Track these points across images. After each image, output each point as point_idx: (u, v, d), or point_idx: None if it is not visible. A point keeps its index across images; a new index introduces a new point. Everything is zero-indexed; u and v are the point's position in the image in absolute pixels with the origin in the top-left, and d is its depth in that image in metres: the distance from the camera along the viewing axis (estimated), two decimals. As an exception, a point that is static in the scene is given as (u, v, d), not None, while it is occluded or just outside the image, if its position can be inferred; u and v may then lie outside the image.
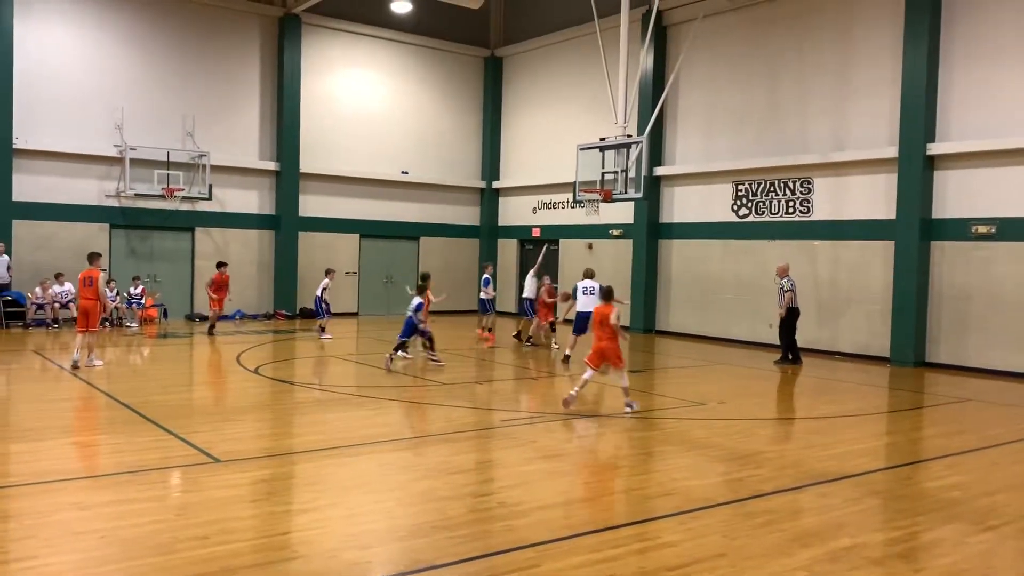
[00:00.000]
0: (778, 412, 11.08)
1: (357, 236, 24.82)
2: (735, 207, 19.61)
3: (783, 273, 15.94)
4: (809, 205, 18.16)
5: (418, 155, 25.69)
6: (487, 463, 8.09)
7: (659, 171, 20.93)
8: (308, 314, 23.35)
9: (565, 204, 24.06)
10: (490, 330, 18.47)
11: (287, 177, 23.12)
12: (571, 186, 19.63)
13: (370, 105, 24.78)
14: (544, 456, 8.26)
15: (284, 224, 23.17)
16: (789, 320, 15.87)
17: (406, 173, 25.40)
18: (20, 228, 19.55)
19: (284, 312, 23.07)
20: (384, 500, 6.63)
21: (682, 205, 20.93)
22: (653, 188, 20.41)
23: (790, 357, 15.94)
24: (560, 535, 5.80)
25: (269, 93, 23.06)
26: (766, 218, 18.95)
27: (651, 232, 21.25)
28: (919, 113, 15.85)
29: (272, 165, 23.06)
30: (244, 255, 22.92)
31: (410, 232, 25.75)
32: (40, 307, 19.14)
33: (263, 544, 5.61)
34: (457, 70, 26.33)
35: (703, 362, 16.22)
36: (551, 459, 8.20)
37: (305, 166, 23.40)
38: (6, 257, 18.91)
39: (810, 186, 18.13)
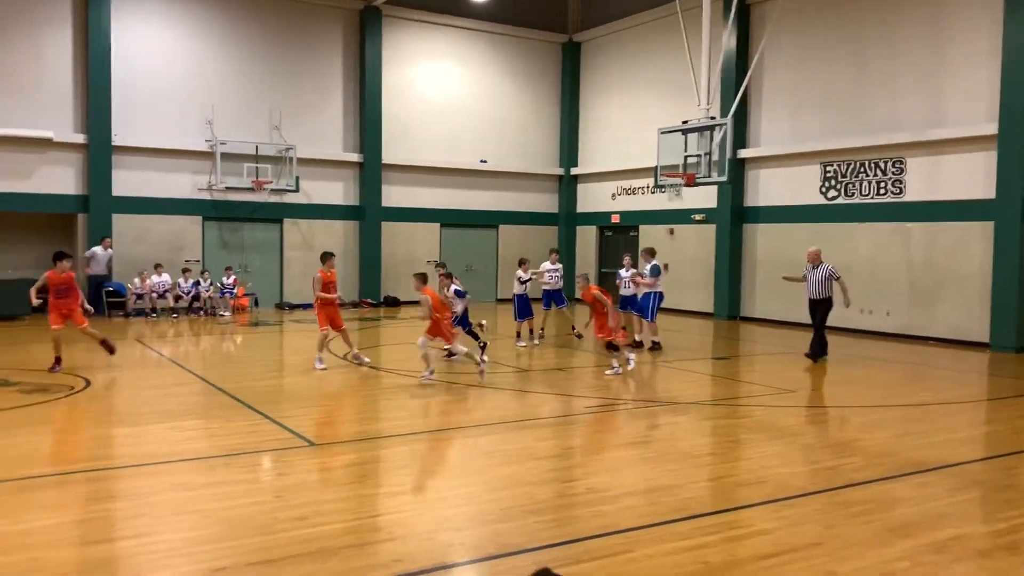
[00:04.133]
0: (870, 399, 10.74)
1: (438, 225, 25.10)
2: (823, 189, 19.05)
3: (816, 259, 13.54)
4: (901, 186, 17.51)
5: (496, 143, 25.78)
6: (572, 449, 8.11)
7: (743, 153, 20.49)
8: (391, 302, 23.79)
9: (645, 189, 23.81)
10: (624, 328, 16.91)
11: (370, 168, 23.53)
12: (652, 171, 19.43)
13: (449, 95, 24.97)
14: (629, 443, 8.23)
15: (368, 214, 23.60)
16: (827, 310, 13.70)
17: (484, 162, 25.53)
18: (120, 221, 20.46)
19: (369, 300, 23.53)
20: (472, 484, 6.73)
21: (767, 188, 20.45)
22: (737, 171, 19.98)
23: (818, 349, 13.77)
24: (650, 521, 5.78)
25: (352, 86, 23.49)
26: (856, 200, 18.36)
27: (735, 216, 20.84)
28: (1022, 86, 15.07)
29: (355, 157, 23.50)
30: (330, 245, 23.35)
31: (489, 220, 25.89)
32: (140, 297, 20.00)
33: (359, 525, 5.77)
34: (534, 56, 26.28)
35: (789, 349, 15.84)
36: (636, 446, 8.16)
37: (387, 157, 23.77)
38: (110, 251, 19.81)
39: (902, 166, 17.47)
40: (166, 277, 20.17)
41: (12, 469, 6.95)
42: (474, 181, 25.49)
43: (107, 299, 19.68)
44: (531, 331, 15.66)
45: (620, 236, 25.23)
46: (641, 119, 23.18)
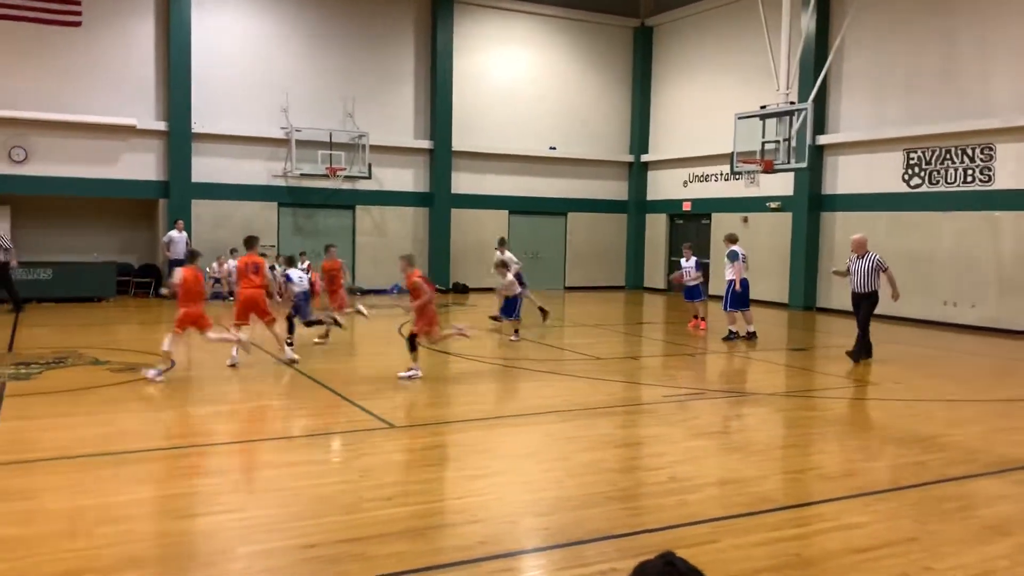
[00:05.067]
0: (956, 394, 10.38)
1: (506, 212, 25.13)
2: (906, 176, 18.44)
3: (861, 248, 12.18)
4: (990, 173, 16.82)
5: (566, 130, 25.65)
6: (652, 437, 8.04)
7: (822, 139, 19.95)
8: (460, 289, 23.94)
9: (719, 176, 23.40)
10: (703, 318, 16.24)
11: (440, 155, 23.67)
12: (725, 158, 19.10)
13: (519, 81, 24.92)
14: (710, 432, 8.12)
15: (437, 201, 23.76)
16: (872, 305, 12.28)
17: (554, 149, 25.42)
18: (199, 207, 21.02)
19: (438, 286, 23.68)
20: (554, 469, 6.72)
21: (847, 175, 19.88)
22: (815, 158, 19.45)
23: (860, 349, 12.42)
24: (736, 512, 5.69)
25: (423, 73, 23.63)
26: (940, 188, 17.71)
27: (812, 204, 20.33)
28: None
29: (426, 144, 23.66)
30: (400, 231, 23.72)
31: (558, 208, 25.80)
32: (217, 281, 20.53)
33: (443, 507, 5.83)
34: (606, 42, 26.02)
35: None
36: (718, 436, 8.05)
37: (457, 144, 23.87)
38: (184, 234, 20.37)
39: (992, 152, 16.78)
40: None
41: (107, 444, 7.21)
42: (543, 168, 25.41)
43: (187, 282, 20.22)
44: (515, 331, 14.28)
45: (692, 224, 24.88)
46: (715, 104, 22.76)
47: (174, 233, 20.13)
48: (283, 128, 21.65)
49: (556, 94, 25.45)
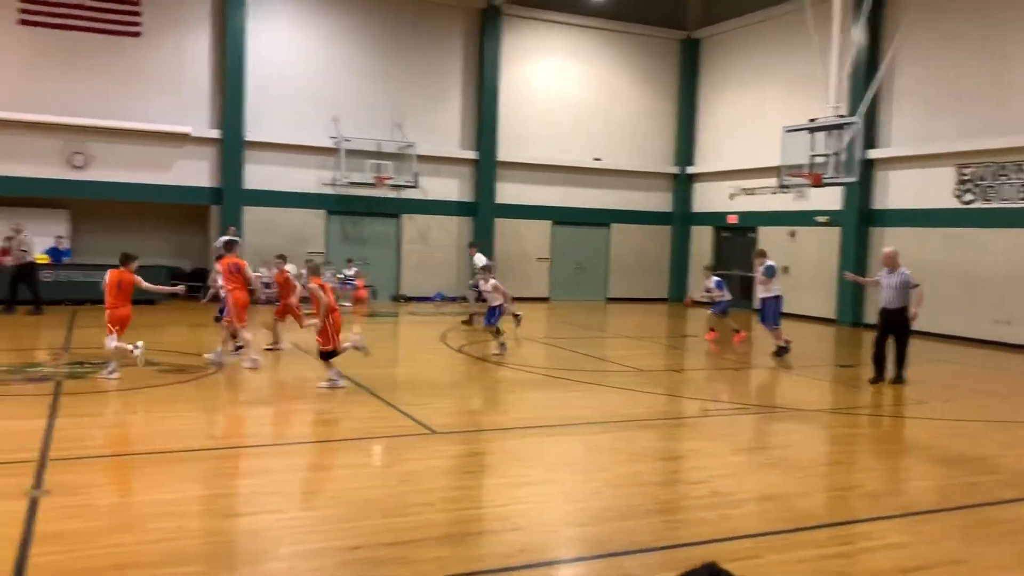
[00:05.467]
0: (1009, 414, 10.13)
1: (549, 223, 25.17)
2: (958, 192, 18.07)
3: (892, 262, 11.48)
4: (1048, 190, 16.40)
5: (611, 141, 25.63)
6: (694, 451, 7.99)
7: (872, 154, 19.65)
8: (503, 298, 23.98)
9: (765, 190, 23.17)
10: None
11: (485, 165, 23.82)
12: (773, 171, 18.90)
13: (564, 92, 24.99)
14: (752, 447, 8.05)
15: (481, 211, 23.90)
16: (904, 323, 11.47)
17: (599, 160, 25.41)
18: (249, 213, 21.43)
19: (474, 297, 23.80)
20: (594, 480, 6.72)
21: (897, 190, 19.54)
22: (864, 172, 19.16)
23: (896, 372, 11.58)
24: (779, 528, 5.64)
25: (470, 84, 23.83)
26: (995, 204, 17.32)
27: (861, 219, 20.01)
28: None
29: (471, 154, 23.83)
30: (444, 240, 23.90)
31: (601, 219, 25.77)
32: (267, 285, 20.88)
33: (483, 513, 5.87)
34: (652, 54, 25.98)
35: (918, 359, 15.10)
36: (760, 451, 7.97)
37: (501, 154, 24.00)
38: (236, 239, 20.74)
39: (1049, 169, 16.37)
40: (291, 267, 20.94)
41: (157, 442, 7.40)
42: (587, 179, 25.42)
43: (236, 287, 20.63)
44: (501, 344, 13.48)
45: (738, 237, 24.67)
46: (763, 117, 22.58)
47: (224, 239, 20.52)
48: (333, 138, 21.99)
49: (601, 106, 25.47)
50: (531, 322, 18.81)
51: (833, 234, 20.77)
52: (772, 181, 21.36)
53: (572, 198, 25.25)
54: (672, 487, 6.64)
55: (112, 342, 10.07)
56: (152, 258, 20.62)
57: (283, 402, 9.39)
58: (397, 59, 22.88)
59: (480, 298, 15.27)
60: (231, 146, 21.06)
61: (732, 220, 24.56)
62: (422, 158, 22.74)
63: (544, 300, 24.80)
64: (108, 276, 10.30)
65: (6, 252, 17.02)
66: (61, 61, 19.62)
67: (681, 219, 26.39)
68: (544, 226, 25.08)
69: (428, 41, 23.24)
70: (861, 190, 19.57)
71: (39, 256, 18.98)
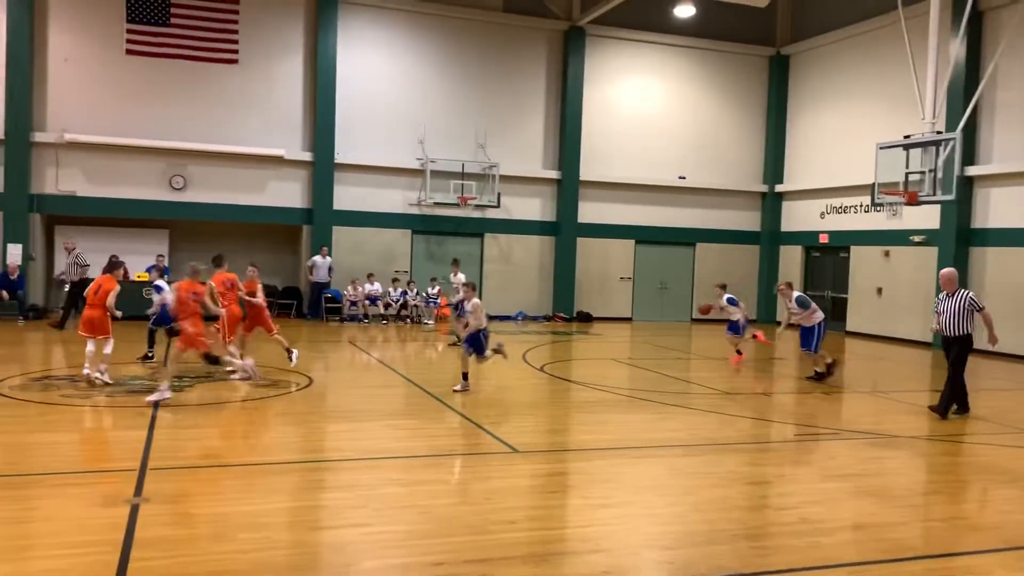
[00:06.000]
0: None
1: (632, 242, 25.00)
2: (1067, 210, 17.16)
3: (951, 284, 10.65)
4: None
5: (696, 159, 25.34)
6: (782, 476, 7.76)
7: (971, 171, 18.86)
8: (584, 317, 23.92)
9: (858, 208, 22.49)
10: (739, 351, 15.73)
11: (567, 185, 23.87)
12: (865, 188, 18.38)
13: (648, 111, 24.86)
14: (844, 474, 7.76)
15: (563, 230, 23.93)
16: (965, 350, 10.66)
17: (683, 178, 25.14)
18: (339, 233, 22.01)
19: (562, 315, 23.80)
20: (679, 504, 6.61)
21: (999, 208, 18.68)
22: (964, 190, 18.40)
23: (948, 401, 10.79)
24: (873, 558, 5.42)
25: (553, 104, 23.97)
26: (1108, 222, 16.37)
27: (960, 238, 19.19)
28: None
29: (554, 174, 23.92)
30: (526, 260, 24.02)
31: (686, 238, 25.44)
32: (353, 303, 21.40)
33: (567, 534, 5.84)
34: (739, 71, 25.62)
35: (1021, 385, 14.37)
36: (853, 477, 7.68)
37: (584, 174, 24.00)
38: (329, 259, 21.36)
39: None
40: (377, 286, 21.50)
41: (249, 455, 7.63)
42: (671, 198, 25.16)
43: (325, 304, 21.22)
44: (464, 374, 11.40)
45: (829, 257, 23.98)
46: (855, 134, 21.97)
47: (317, 259, 21.17)
48: (419, 159, 22.42)
49: (687, 123, 25.23)
50: (613, 343, 18.70)
51: (930, 254, 19.98)
52: (865, 199, 20.75)
53: (656, 217, 25.04)
54: (759, 512, 6.47)
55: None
56: (245, 277, 21.38)
57: (369, 418, 9.56)
58: (481, 81, 23.22)
59: (459, 315, 13.33)
60: (322, 168, 21.70)
61: (823, 239, 23.90)
62: (505, 178, 22.94)
63: (626, 320, 24.60)
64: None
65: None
66: (163, 88, 20.63)
67: (769, 238, 25.82)
68: (627, 245, 24.93)
69: (512, 62, 23.50)
70: (960, 208, 18.79)
71: (139, 274, 19.91)
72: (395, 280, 21.81)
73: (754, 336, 16.32)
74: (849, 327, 22.59)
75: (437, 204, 22.51)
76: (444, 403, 10.35)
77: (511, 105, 23.59)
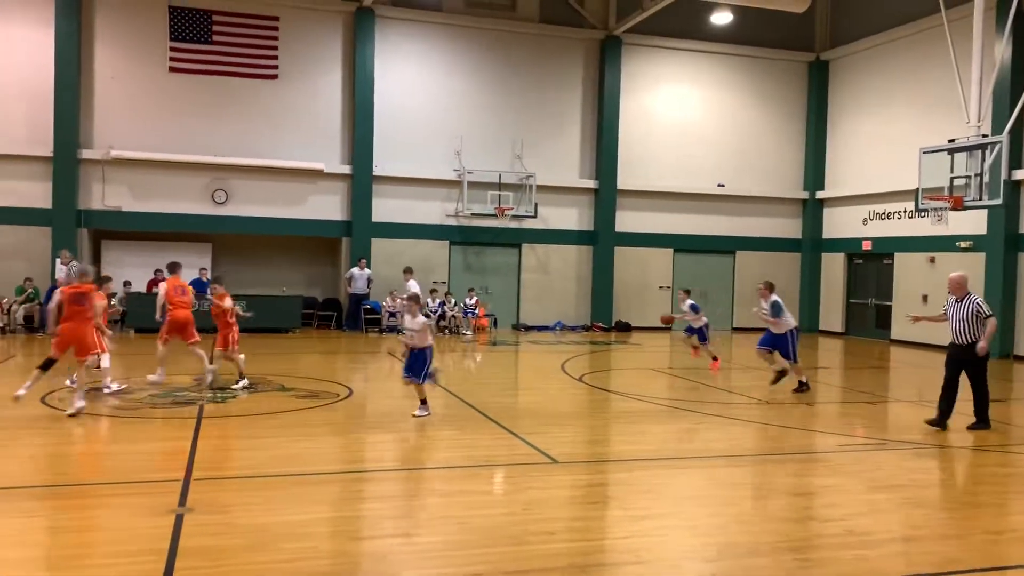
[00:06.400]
0: None
1: (671, 251, 24.84)
2: (1121, 213, 16.68)
3: (960, 289, 10.14)
4: None
5: (735, 167, 25.13)
6: (827, 487, 7.62)
7: (1019, 174, 18.43)
8: (623, 327, 23.81)
9: (901, 214, 22.10)
10: (715, 357, 15.79)
11: (605, 194, 23.81)
12: (909, 194, 18.00)
13: (686, 119, 24.73)
14: (892, 485, 7.60)
15: (601, 239, 23.87)
16: (980, 358, 10.02)
17: (722, 186, 24.95)
18: (377, 245, 22.21)
19: (600, 324, 23.71)
20: (720, 515, 6.53)
21: (1049, 213, 18.23)
22: (1012, 194, 17.99)
23: (977, 417, 10.22)
24: (923, 571, 5.30)
25: (590, 114, 23.96)
26: None
27: (1009, 244, 18.75)
28: None
29: (591, 183, 23.89)
30: (564, 269, 23.99)
31: (725, 246, 25.22)
32: (392, 314, 21.53)
33: (606, 545, 5.79)
34: (778, 77, 25.37)
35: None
36: (901, 488, 7.52)
37: (622, 183, 23.94)
38: (367, 271, 21.55)
39: None
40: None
41: (290, 465, 7.70)
42: (710, 206, 24.98)
43: (364, 316, 21.40)
44: (423, 401, 10.11)
45: (872, 264, 23.60)
46: (897, 138, 21.62)
47: (355, 270, 21.37)
48: (456, 170, 22.55)
49: (725, 131, 25.05)
50: (653, 352, 18.58)
51: (977, 260, 19.54)
52: (909, 205, 20.39)
53: (695, 225, 24.87)
54: (804, 524, 6.36)
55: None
56: (287, 288, 21.67)
57: (409, 428, 9.60)
58: (517, 91, 23.30)
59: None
60: (361, 181, 21.93)
61: (866, 246, 23.52)
62: (542, 188, 22.96)
63: (666, 330, 24.42)
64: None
65: None
66: (206, 104, 21.04)
67: (811, 246, 25.49)
68: (666, 254, 24.78)
69: (548, 72, 23.55)
70: (1008, 213, 18.39)
71: (185, 287, 20.20)
72: (433, 291, 21.92)
73: (694, 348, 15.89)
74: (894, 335, 22.17)
75: (474, 215, 22.60)
76: (482, 413, 10.36)
77: (547, 115, 23.63)
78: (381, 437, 9.23)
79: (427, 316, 11.43)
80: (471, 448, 8.72)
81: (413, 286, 18.43)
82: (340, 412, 10.46)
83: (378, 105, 22.00)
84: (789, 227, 25.74)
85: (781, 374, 12.89)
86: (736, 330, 24.77)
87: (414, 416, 9.88)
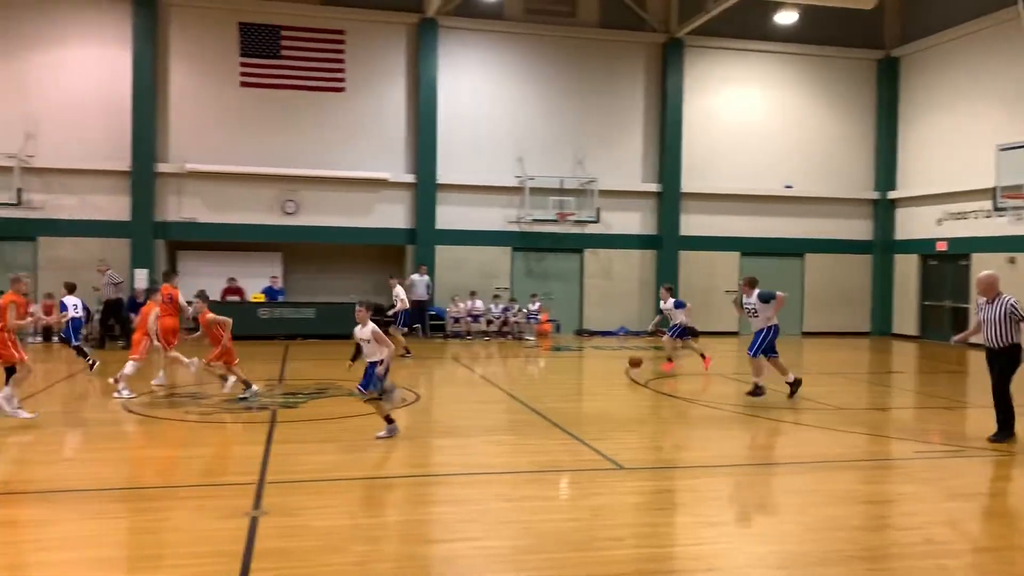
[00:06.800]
0: None
1: (737, 254, 24.48)
2: None
3: (991, 290, 9.44)
4: None
5: (803, 168, 24.64)
6: (902, 495, 7.42)
7: (1104, 170, 17.65)
8: (689, 332, 23.49)
9: (978, 213, 21.35)
10: (670, 359, 15.63)
11: (668, 197, 23.61)
12: (986, 193, 17.47)
13: (751, 120, 24.37)
14: (972, 493, 7.36)
15: (665, 243, 23.66)
16: (1012, 364, 9.36)
17: (790, 187, 24.49)
18: (441, 252, 22.44)
19: (664, 329, 23.44)
20: (789, 523, 6.41)
21: None
22: (1098, 190, 17.25)
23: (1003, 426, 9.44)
24: (1005, 583, 5.12)
25: (652, 117, 23.80)
26: None
27: (1094, 242, 17.99)
28: None
29: (654, 187, 23.71)
30: (627, 274, 23.85)
31: (794, 249, 24.73)
32: (456, 320, 21.73)
33: (675, 552, 5.75)
34: (846, 75, 24.81)
35: None
36: (979, 497, 7.29)
37: (686, 186, 23.70)
38: (426, 277, 21.77)
39: None
40: (479, 303, 21.78)
41: (359, 469, 7.84)
42: (778, 208, 24.54)
43: (428, 321, 21.64)
44: (386, 419, 9.15)
45: (948, 265, 22.86)
46: (973, 136, 20.92)
47: (415, 276, 21.63)
48: (517, 177, 22.65)
49: (792, 131, 24.59)
50: (719, 358, 18.29)
51: (1061, 260, 18.77)
52: (986, 204, 19.70)
53: (762, 228, 24.46)
54: (878, 533, 6.20)
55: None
56: (352, 296, 22.04)
57: (474, 434, 9.68)
58: (578, 96, 23.30)
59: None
60: (424, 189, 22.20)
61: (941, 247, 22.79)
62: (604, 193, 22.88)
63: (733, 335, 24.04)
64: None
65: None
66: (275, 118, 21.58)
67: (882, 247, 24.82)
68: (732, 257, 24.43)
69: (609, 77, 23.49)
70: (1094, 210, 17.61)
71: (255, 295, 20.81)
72: (496, 297, 22.04)
73: (669, 360, 15.56)
74: (971, 339, 21.38)
75: (536, 221, 22.65)
76: (547, 419, 10.37)
77: (609, 119, 23.56)
78: (446, 442, 9.32)
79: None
80: (536, 453, 8.74)
81: (399, 293, 17.52)
82: (406, 417, 10.59)
83: (441, 113, 22.26)
84: (859, 228, 25.12)
85: (794, 385, 12.17)
86: (806, 335, 24.25)
87: (377, 438, 8.86)
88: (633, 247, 23.84)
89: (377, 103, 22.25)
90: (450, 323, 21.82)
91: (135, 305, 19.70)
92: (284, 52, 21.54)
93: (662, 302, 15.92)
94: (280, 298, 21.31)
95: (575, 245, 23.47)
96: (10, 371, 9.68)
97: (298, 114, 21.72)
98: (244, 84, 21.42)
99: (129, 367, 11.61)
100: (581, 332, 23.37)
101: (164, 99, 21.14)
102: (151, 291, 12.88)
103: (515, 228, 22.98)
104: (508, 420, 10.80)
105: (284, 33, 21.49)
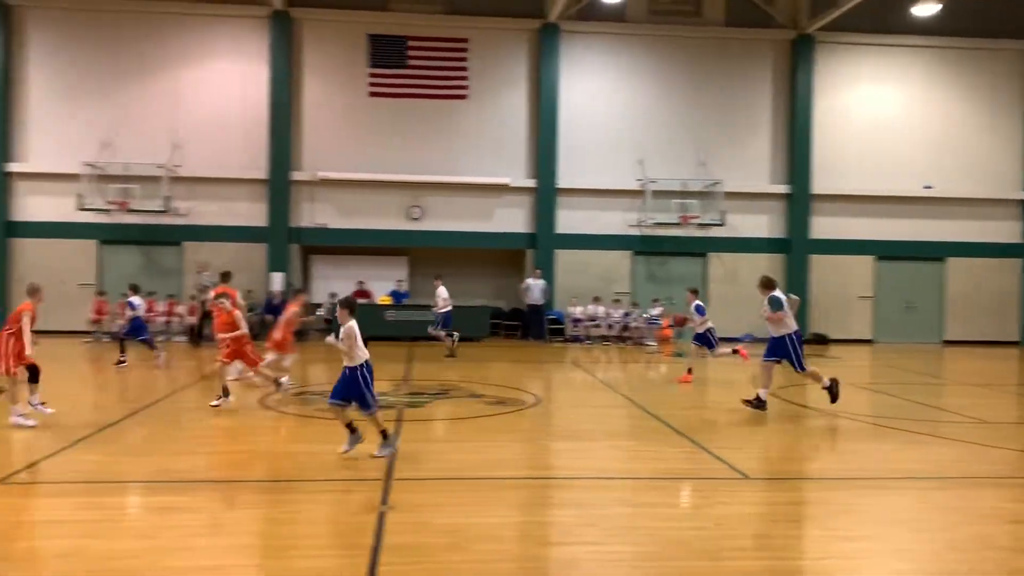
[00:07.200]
0: None
1: (871, 258, 23.39)
2: None
3: None
4: None
5: (943, 167, 23.32)
6: (1058, 517, 6.89)
7: None
8: (819, 340, 22.65)
9: None
10: (689, 370, 14.79)
11: (798, 199, 22.83)
12: None
13: (887, 117, 23.26)
14: None
15: (794, 247, 22.88)
16: None
17: (930, 187, 23.20)
18: (561, 256, 22.52)
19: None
20: (931, 541, 6.06)
21: None
22: None
23: None
24: None
25: (781, 116, 23.09)
26: None
27: None
28: None
29: (783, 188, 22.98)
30: (753, 279, 22.91)
31: (934, 252, 23.42)
32: (576, 323, 21.72)
33: (805, 566, 5.55)
34: (991, 68, 23.31)
35: None
36: None
37: (816, 187, 22.87)
38: (542, 281, 21.84)
39: None
40: (600, 307, 21.70)
41: (482, 469, 7.96)
42: (916, 209, 23.30)
43: (548, 326, 21.72)
44: (384, 433, 8.28)
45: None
46: None
47: (531, 280, 21.78)
48: (638, 180, 22.45)
49: (931, 128, 23.32)
50: (853, 367, 17.55)
51: None
52: None
53: (899, 230, 23.30)
54: (1030, 556, 5.78)
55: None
56: (474, 299, 22.43)
57: (593, 437, 9.65)
58: (701, 96, 22.88)
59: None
60: (545, 193, 22.33)
61: (1101, 250, 21.06)
62: (729, 195, 22.36)
63: (867, 342, 23.02)
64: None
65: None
66: (402, 126, 22.25)
67: (1035, 250, 23.18)
68: (866, 261, 23.38)
69: (734, 76, 22.96)
70: None
71: (382, 297, 21.45)
72: (616, 301, 21.89)
73: (734, 351, 14.69)
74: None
75: (658, 224, 22.37)
76: (668, 425, 10.21)
77: (734, 119, 23.02)
78: (567, 445, 9.33)
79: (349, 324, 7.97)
80: (657, 460, 8.62)
81: (442, 293, 17.82)
82: (527, 419, 10.67)
83: (561, 117, 22.35)
84: (1006, 230, 23.53)
85: (831, 390, 11.43)
86: (947, 343, 22.91)
87: (372, 456, 8.06)
88: (760, 251, 23.18)
89: (499, 109, 22.56)
90: (569, 327, 21.83)
91: (272, 307, 20.77)
92: (410, 62, 22.16)
93: (687, 305, 15.25)
94: (405, 300, 21.90)
95: (698, 249, 23.04)
96: (34, 373, 9.64)
97: (423, 122, 22.29)
98: (372, 94, 22.18)
99: (287, 361, 12.58)
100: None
101: (298, 110, 22.16)
102: (295, 291, 13.56)
103: (636, 232, 22.78)
104: (629, 425, 10.70)
105: (410, 43, 22.12)
